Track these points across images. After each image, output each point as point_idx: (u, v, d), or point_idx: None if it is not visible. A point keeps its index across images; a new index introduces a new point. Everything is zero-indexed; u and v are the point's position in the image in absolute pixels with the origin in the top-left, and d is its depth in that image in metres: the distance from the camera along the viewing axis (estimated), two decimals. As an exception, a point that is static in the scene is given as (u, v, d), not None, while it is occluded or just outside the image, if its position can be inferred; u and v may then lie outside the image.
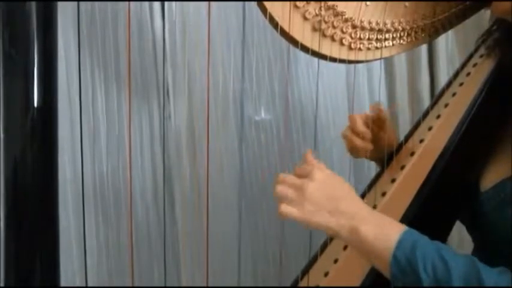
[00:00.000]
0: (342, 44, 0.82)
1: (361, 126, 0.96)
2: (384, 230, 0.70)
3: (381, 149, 0.98)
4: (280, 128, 1.44)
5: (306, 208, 0.71)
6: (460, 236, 1.45)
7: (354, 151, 0.99)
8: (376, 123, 0.99)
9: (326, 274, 0.84)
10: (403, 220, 0.82)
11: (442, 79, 1.61)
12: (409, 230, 0.70)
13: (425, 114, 0.99)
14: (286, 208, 0.71)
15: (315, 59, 0.83)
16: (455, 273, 0.65)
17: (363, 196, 0.96)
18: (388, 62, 1.62)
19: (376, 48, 0.85)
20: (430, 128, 0.94)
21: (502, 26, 0.87)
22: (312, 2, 0.78)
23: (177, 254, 1.33)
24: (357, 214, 0.71)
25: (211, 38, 1.23)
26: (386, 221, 0.72)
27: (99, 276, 1.25)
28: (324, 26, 0.80)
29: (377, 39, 0.84)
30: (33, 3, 0.58)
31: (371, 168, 1.02)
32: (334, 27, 0.80)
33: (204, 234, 0.87)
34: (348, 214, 0.71)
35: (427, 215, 0.83)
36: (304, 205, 0.71)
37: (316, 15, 0.79)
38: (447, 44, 1.64)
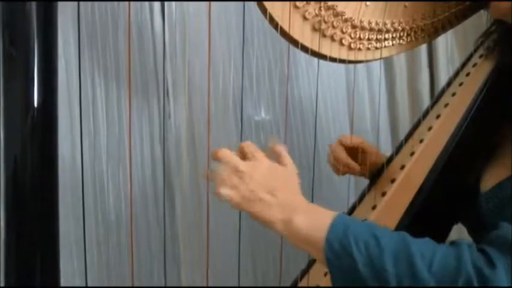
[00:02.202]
0: (341, 44, 0.82)
1: (344, 156, 1.01)
2: (316, 218, 0.70)
3: (365, 167, 1.01)
4: (280, 128, 1.44)
5: (243, 194, 0.70)
6: (459, 237, 1.45)
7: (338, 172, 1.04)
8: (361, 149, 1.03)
9: (326, 274, 0.84)
10: (402, 220, 0.82)
11: (442, 79, 1.61)
12: (340, 214, 0.70)
13: (425, 114, 0.99)
14: (225, 190, 0.70)
15: (315, 59, 0.83)
16: (387, 248, 0.64)
17: (362, 196, 0.96)
18: (388, 62, 1.62)
19: (376, 48, 0.85)
20: (430, 128, 0.94)
21: (501, 26, 0.87)
22: (312, 2, 0.78)
23: (177, 254, 1.33)
24: (289, 205, 0.71)
25: (211, 38, 1.23)
26: (318, 210, 0.72)
27: (99, 276, 1.25)
28: (323, 26, 0.80)
29: (377, 39, 0.84)
30: (34, 3, 0.58)
31: (371, 168, 1.02)
32: (334, 27, 0.80)
33: (204, 234, 0.87)
34: (281, 205, 0.70)
35: (426, 215, 0.83)
36: (241, 191, 0.70)
37: (316, 15, 0.79)
38: (447, 44, 1.64)
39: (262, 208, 0.70)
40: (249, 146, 0.74)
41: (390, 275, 0.63)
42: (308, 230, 0.69)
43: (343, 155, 1.02)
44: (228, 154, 0.73)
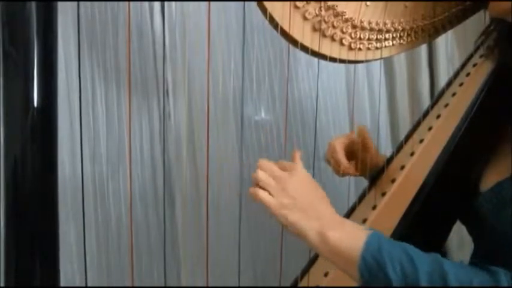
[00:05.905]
0: (341, 44, 0.82)
1: (341, 156, 0.97)
2: (350, 234, 0.70)
3: (365, 168, 0.99)
4: (280, 128, 1.44)
5: (281, 201, 0.71)
6: (460, 237, 1.45)
7: (338, 173, 1.00)
8: (360, 147, 0.99)
9: (326, 274, 0.84)
10: (403, 220, 0.82)
11: (442, 79, 1.61)
12: (375, 232, 0.71)
13: (425, 114, 0.99)
14: (263, 193, 0.71)
15: (315, 59, 0.83)
16: (422, 269, 0.65)
17: (362, 196, 0.96)
18: (388, 62, 1.62)
19: (376, 48, 0.85)
20: (430, 128, 0.94)
21: (501, 26, 0.87)
22: (312, 2, 0.78)
23: (177, 254, 1.33)
24: (326, 219, 0.71)
25: (211, 37, 1.23)
26: (353, 226, 0.73)
27: (99, 276, 1.25)
28: (324, 26, 0.80)
29: (377, 39, 0.84)
30: (33, 3, 0.58)
31: (371, 168, 1.02)
32: (334, 27, 0.80)
33: (204, 234, 0.87)
34: (318, 218, 0.71)
35: (426, 214, 0.83)
36: (280, 197, 0.71)
37: (316, 15, 0.79)
38: (447, 44, 1.64)
39: (299, 218, 0.70)
40: (282, 162, 0.75)
41: None
42: (344, 246, 0.69)
43: (341, 158, 0.98)
44: (267, 163, 0.73)
